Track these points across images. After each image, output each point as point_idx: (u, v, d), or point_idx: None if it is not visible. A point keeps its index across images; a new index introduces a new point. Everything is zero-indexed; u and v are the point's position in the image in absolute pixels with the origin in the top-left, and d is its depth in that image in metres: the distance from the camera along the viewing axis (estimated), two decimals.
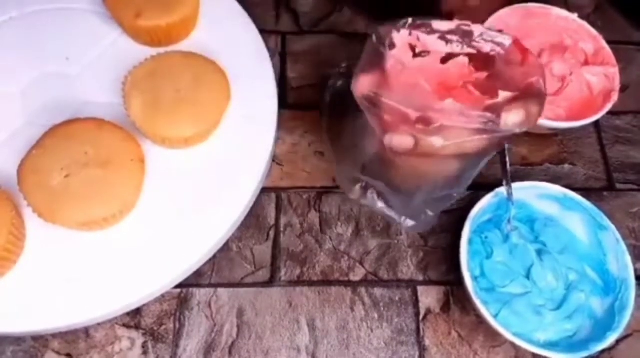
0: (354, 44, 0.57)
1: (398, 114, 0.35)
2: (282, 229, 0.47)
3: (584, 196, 0.45)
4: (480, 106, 0.34)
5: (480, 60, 0.39)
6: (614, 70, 0.51)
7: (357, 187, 0.44)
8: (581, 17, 0.53)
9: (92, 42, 0.50)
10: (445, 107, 0.34)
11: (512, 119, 0.34)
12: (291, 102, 0.53)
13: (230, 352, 0.42)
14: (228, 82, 0.45)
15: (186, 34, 0.50)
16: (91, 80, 0.48)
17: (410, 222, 0.44)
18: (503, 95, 0.34)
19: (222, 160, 0.46)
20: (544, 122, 0.48)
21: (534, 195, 0.45)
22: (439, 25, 0.37)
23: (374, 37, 0.37)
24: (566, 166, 0.53)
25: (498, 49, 0.38)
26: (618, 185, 0.52)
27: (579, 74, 0.52)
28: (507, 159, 0.44)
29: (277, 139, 0.50)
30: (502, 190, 0.44)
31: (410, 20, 0.37)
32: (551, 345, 0.41)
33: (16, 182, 0.39)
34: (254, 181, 0.45)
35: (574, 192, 0.45)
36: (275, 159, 0.50)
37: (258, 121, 0.47)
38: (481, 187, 0.44)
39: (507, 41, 0.38)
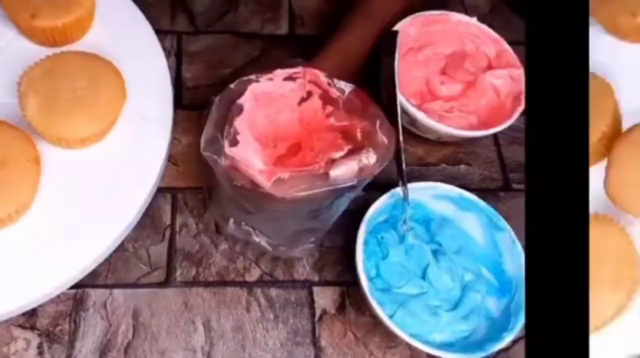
0: (250, 44, 0.57)
1: (243, 168, 0.37)
2: (177, 229, 0.47)
3: (480, 196, 0.45)
4: (316, 163, 0.38)
5: (330, 102, 0.41)
6: (520, 72, 0.50)
7: (231, 221, 0.44)
8: (478, 17, 0.53)
9: None
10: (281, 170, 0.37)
11: (338, 174, 0.37)
12: (187, 102, 0.53)
13: (125, 353, 0.42)
14: (124, 82, 0.45)
15: (82, 34, 0.49)
16: None
17: (290, 250, 0.44)
18: (338, 154, 0.38)
19: (118, 160, 0.45)
20: (460, 133, 0.48)
21: (430, 195, 0.45)
22: (287, 71, 0.41)
23: (224, 94, 0.40)
24: (462, 166, 0.52)
25: (340, 95, 0.41)
26: (514, 185, 0.52)
27: (482, 79, 0.51)
28: (403, 159, 0.44)
29: (173, 139, 0.50)
30: (397, 190, 0.44)
31: (258, 74, 0.41)
32: (447, 346, 0.41)
33: None
34: (149, 181, 0.45)
35: (469, 192, 0.45)
36: (170, 159, 0.50)
37: (154, 121, 0.47)
38: (377, 188, 0.44)
39: (347, 88, 0.40)
